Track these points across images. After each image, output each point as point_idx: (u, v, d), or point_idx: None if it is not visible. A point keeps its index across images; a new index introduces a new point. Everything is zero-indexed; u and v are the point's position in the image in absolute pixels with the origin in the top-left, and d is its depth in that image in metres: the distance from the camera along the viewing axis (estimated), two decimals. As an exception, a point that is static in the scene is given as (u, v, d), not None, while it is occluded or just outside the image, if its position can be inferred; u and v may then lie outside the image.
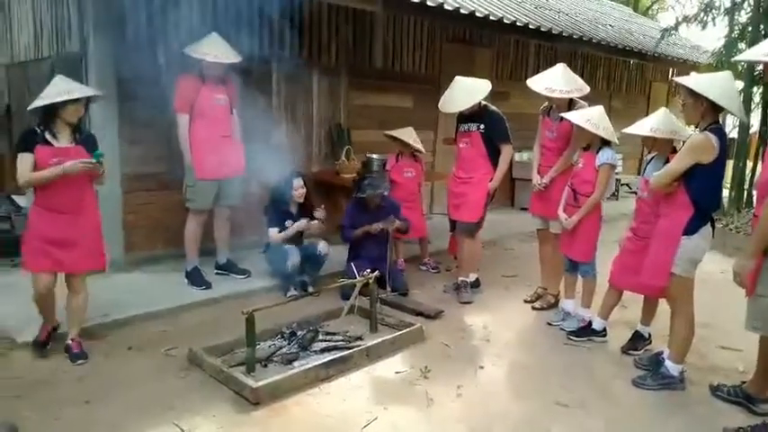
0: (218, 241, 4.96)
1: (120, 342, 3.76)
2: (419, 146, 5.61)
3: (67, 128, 3.33)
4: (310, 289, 4.68)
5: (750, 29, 7.98)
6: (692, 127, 3.42)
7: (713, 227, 3.34)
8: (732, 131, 9.01)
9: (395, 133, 5.57)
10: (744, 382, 3.29)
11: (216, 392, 3.16)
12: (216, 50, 4.41)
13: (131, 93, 4.64)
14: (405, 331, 3.92)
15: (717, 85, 3.14)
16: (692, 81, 3.22)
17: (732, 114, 3.41)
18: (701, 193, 3.22)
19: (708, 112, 3.17)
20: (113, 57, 4.66)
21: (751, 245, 2.77)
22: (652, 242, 3.48)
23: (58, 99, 3.22)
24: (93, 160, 3.32)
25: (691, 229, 3.25)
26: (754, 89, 8.15)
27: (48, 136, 3.26)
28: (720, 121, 3.32)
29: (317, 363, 3.38)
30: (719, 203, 3.47)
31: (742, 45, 8.11)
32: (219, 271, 4.95)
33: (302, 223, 4.76)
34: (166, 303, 4.28)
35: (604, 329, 4.08)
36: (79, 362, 3.41)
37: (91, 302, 3.63)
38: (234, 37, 5.06)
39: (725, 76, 3.30)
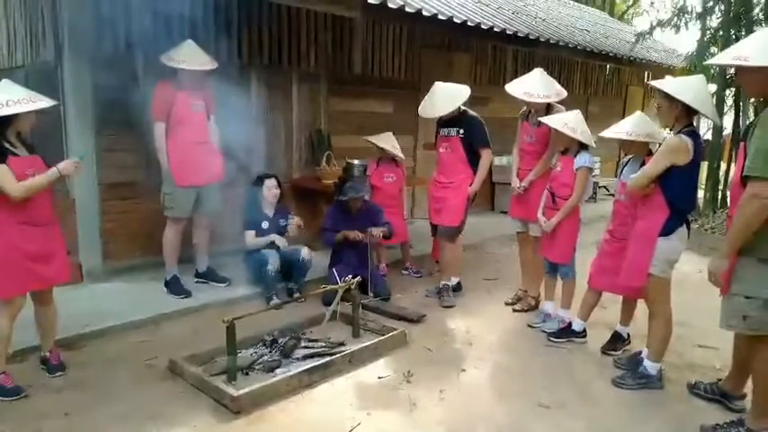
0: (197, 249, 4.91)
1: (99, 353, 3.71)
2: (397, 151, 5.61)
3: (17, 137, 3.16)
4: (296, 295, 4.67)
5: (721, 33, 8.15)
6: (667, 129, 3.48)
7: (689, 228, 3.40)
8: (706, 133, 9.20)
9: (372, 139, 5.58)
10: (720, 380, 3.35)
11: (197, 402, 3.13)
12: (191, 58, 4.38)
13: (108, 100, 4.60)
14: (387, 336, 3.93)
15: (691, 89, 3.21)
16: (667, 85, 3.27)
17: (706, 117, 3.47)
18: (677, 194, 3.28)
19: (682, 115, 3.24)
20: (89, 64, 4.62)
21: (725, 245, 2.82)
22: (630, 244, 3.53)
23: (23, 108, 3.01)
24: (78, 159, 3.25)
25: (667, 230, 3.31)
26: (727, 92, 8.31)
27: (8, 146, 3.08)
28: (695, 124, 3.39)
29: (299, 370, 3.37)
30: (695, 205, 3.54)
31: (714, 49, 8.29)
32: (199, 279, 4.91)
33: (280, 240, 4.77)
34: (146, 313, 4.23)
35: (584, 330, 4.12)
36: (57, 374, 3.36)
37: (69, 313, 3.59)
38: (212, 44, 5.06)
39: (698, 79, 3.37)
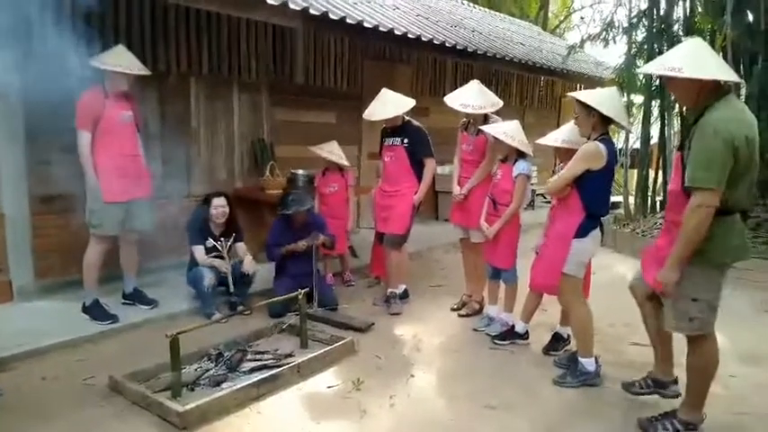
0: (124, 269, 4.61)
1: (34, 373, 3.53)
2: (341, 160, 5.55)
3: None
4: (240, 308, 4.58)
5: (646, 47, 8.61)
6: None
7: (602, 231, 3.61)
8: (635, 143, 9.65)
9: (315, 149, 5.56)
10: (650, 372, 3.49)
11: (140, 419, 3.03)
12: (127, 62, 4.19)
13: (40, 109, 4.39)
14: (336, 345, 3.92)
15: (606, 100, 3.41)
16: (584, 96, 3.47)
17: (619, 126, 3.68)
18: (592, 198, 3.49)
19: (598, 124, 3.44)
20: (19, 70, 4.40)
21: (675, 255, 2.81)
22: (548, 244, 3.71)
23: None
24: None
25: (581, 232, 3.50)
26: (653, 103, 8.77)
27: None
28: (609, 133, 3.59)
29: (246, 383, 3.31)
30: (608, 208, 3.73)
31: (640, 62, 8.73)
32: (126, 301, 4.61)
33: (220, 263, 4.63)
34: (83, 331, 4.06)
35: (526, 332, 4.25)
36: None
37: (1, 332, 3.39)
38: (150, 53, 4.94)
39: (612, 91, 3.62)
